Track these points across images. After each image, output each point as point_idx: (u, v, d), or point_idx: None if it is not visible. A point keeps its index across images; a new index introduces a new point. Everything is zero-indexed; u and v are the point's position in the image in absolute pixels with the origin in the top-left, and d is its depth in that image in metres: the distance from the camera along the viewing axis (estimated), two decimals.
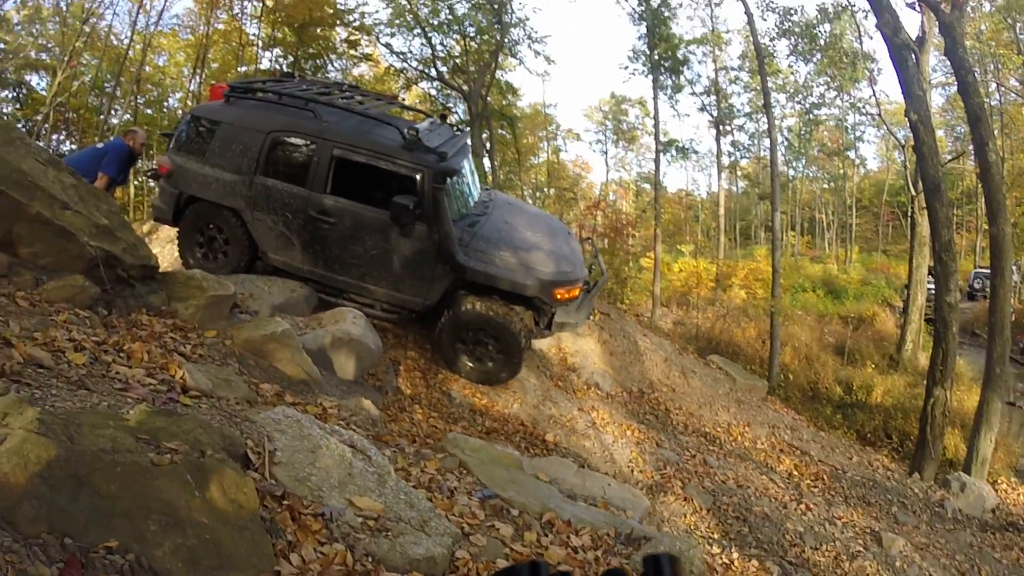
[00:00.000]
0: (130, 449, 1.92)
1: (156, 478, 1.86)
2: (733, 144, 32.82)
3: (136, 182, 24.82)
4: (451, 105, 25.07)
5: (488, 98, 23.52)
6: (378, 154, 6.56)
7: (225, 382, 3.59)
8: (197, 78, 25.04)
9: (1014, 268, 21.95)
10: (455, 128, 7.95)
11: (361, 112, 6.94)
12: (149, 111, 27.19)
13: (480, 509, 3.22)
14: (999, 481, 9.92)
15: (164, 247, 10.37)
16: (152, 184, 25.82)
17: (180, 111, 26.71)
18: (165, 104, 28.76)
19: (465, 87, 22.45)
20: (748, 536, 5.82)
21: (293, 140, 6.84)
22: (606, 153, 45.92)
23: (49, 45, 23.19)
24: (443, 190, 6.50)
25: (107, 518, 1.73)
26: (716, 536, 5.67)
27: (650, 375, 9.16)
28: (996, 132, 21.12)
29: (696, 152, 36.71)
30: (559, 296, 6.76)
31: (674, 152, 28.59)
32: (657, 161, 25.84)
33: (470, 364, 7.05)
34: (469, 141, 8.08)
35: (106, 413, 2.25)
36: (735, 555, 5.23)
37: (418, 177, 6.47)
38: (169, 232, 10.86)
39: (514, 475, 3.96)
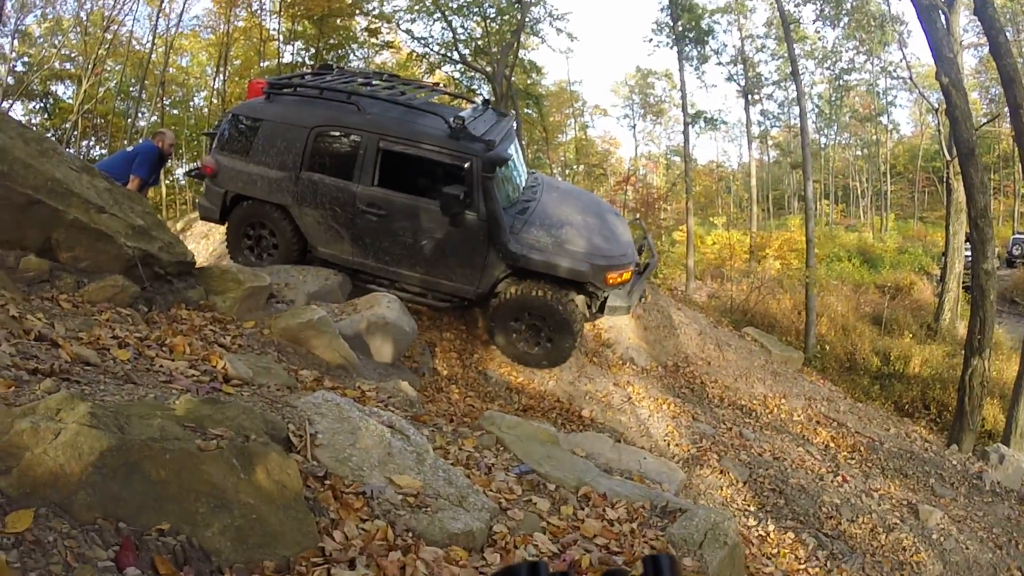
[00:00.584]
0: (177, 436, 2.00)
1: (203, 463, 1.94)
2: (762, 113, 32.46)
3: (167, 181, 25.32)
4: (475, 87, 25.04)
5: (512, 78, 23.41)
6: (424, 144, 6.54)
7: (265, 370, 3.69)
8: (221, 76, 25.40)
9: None
10: (500, 113, 7.89)
11: (404, 103, 6.90)
12: (175, 111, 27.73)
13: (517, 484, 3.28)
14: None
15: (199, 243, 10.60)
16: (183, 183, 26.44)
17: (206, 109, 27.16)
18: (191, 103, 29.28)
19: (488, 68, 22.37)
20: (784, 508, 5.84)
21: (337, 134, 6.88)
22: (634, 127, 45.50)
23: (72, 55, 23.77)
24: (492, 179, 6.47)
25: (158, 502, 1.81)
26: (752, 508, 5.69)
27: (685, 349, 9.16)
28: None
29: (725, 123, 36.16)
30: (611, 280, 6.73)
31: (703, 123, 28.29)
32: (686, 133, 25.56)
33: (523, 348, 7.05)
34: (515, 125, 8.03)
35: (153, 404, 2.34)
36: (771, 527, 5.26)
37: (466, 166, 6.44)
38: (203, 228, 11.08)
39: (550, 451, 4.01)
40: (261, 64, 25.20)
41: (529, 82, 27.20)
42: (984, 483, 7.65)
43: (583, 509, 3.24)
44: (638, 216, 8.66)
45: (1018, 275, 24.06)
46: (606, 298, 6.84)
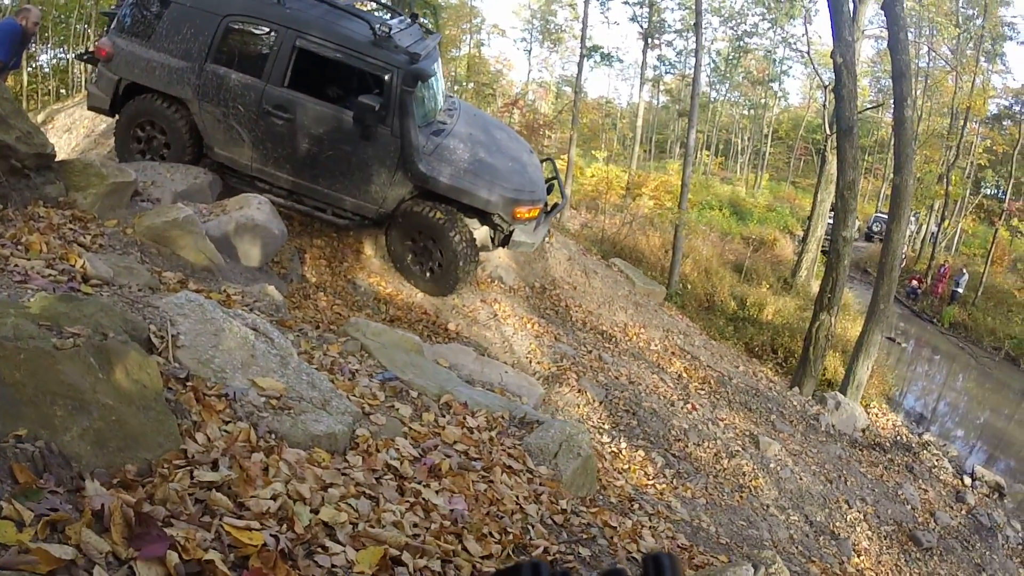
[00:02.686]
0: (32, 335, 1.92)
1: (60, 362, 1.88)
2: (659, 58, 32.99)
3: (29, 68, 22.76)
4: None
5: None
6: (345, 48, 6.15)
7: (127, 270, 3.55)
8: None
9: (912, 218, 23.64)
10: (427, 30, 7.52)
11: (329, 2, 6.46)
12: None
13: (380, 390, 3.37)
14: (871, 405, 10.97)
15: (61, 137, 9.76)
16: (47, 70, 23.76)
17: None
18: None
19: None
20: (636, 429, 6.21)
21: (252, 26, 6.37)
22: (530, 52, 45.14)
23: None
24: (412, 94, 6.17)
25: (14, 406, 1.73)
26: (606, 427, 6.04)
27: (553, 272, 9.43)
28: (918, 93, 22.15)
29: (621, 61, 36.75)
30: (519, 215, 6.64)
31: (599, 58, 28.34)
32: (580, 65, 25.53)
33: (415, 271, 6.97)
34: (438, 44, 7.69)
35: (5, 303, 2.23)
36: (623, 444, 5.67)
37: (387, 77, 6.13)
38: (66, 121, 10.18)
39: (414, 359, 4.12)
40: None
41: None
42: (820, 424, 8.51)
43: (444, 416, 3.38)
44: (550, 157, 8.60)
45: (873, 248, 26.46)
46: (512, 232, 6.77)
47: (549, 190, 7.40)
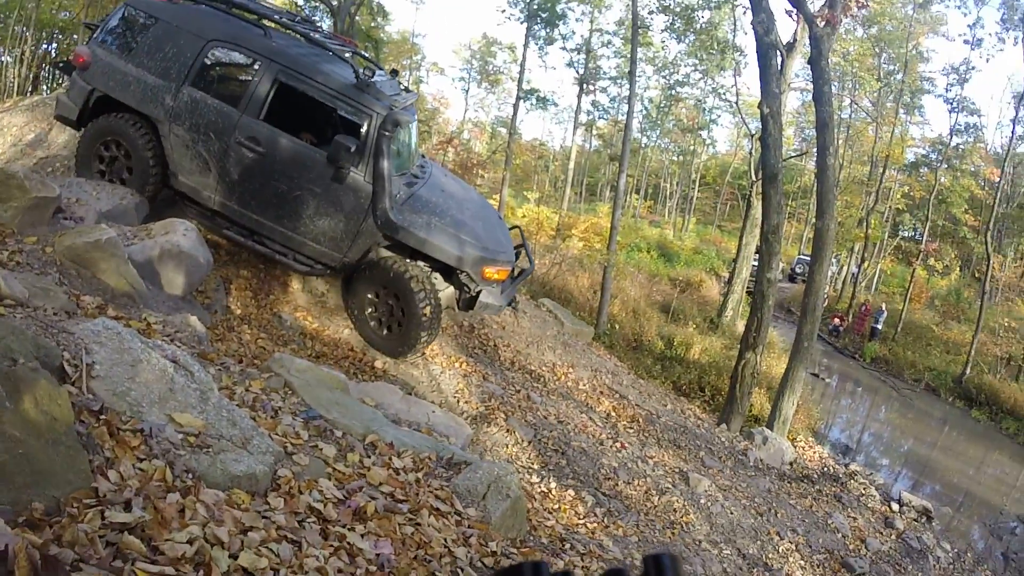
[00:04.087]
0: None
1: None
2: (594, 104, 33.87)
3: None
4: (317, 18, 23.72)
5: (357, 17, 22.46)
6: (327, 88, 6.01)
7: (43, 291, 3.37)
8: None
9: (833, 260, 25.01)
10: (405, 88, 7.39)
11: (317, 42, 6.34)
12: None
13: (304, 429, 3.28)
14: (798, 439, 11.28)
15: None
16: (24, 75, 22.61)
17: None
18: None
19: (335, 2, 21.27)
20: (566, 468, 6.22)
21: (235, 54, 6.19)
22: (467, 92, 45.59)
23: None
24: (390, 139, 6.05)
25: None
26: (536, 466, 6.03)
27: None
28: (841, 142, 23.56)
29: (556, 104, 37.49)
30: (488, 275, 6.43)
31: (534, 101, 28.92)
32: (516, 107, 26.19)
33: (373, 328, 6.69)
34: (415, 102, 7.59)
35: None
36: (553, 484, 5.65)
37: (365, 121, 6.02)
38: None
39: (339, 398, 4.04)
40: None
41: (373, 24, 26.27)
42: (749, 459, 8.70)
43: (370, 457, 3.31)
44: (518, 225, 8.57)
45: (797, 289, 27.75)
46: (478, 293, 6.53)
47: (516, 256, 7.28)
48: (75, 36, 24.09)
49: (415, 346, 6.62)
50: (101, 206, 5.70)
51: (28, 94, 19.42)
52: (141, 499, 1.91)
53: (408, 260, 6.37)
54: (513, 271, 7.06)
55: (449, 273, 6.59)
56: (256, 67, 6.11)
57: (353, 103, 6.08)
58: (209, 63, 6.17)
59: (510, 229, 7.73)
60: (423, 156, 7.98)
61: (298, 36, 6.58)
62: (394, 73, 7.31)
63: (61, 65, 7.45)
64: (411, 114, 6.88)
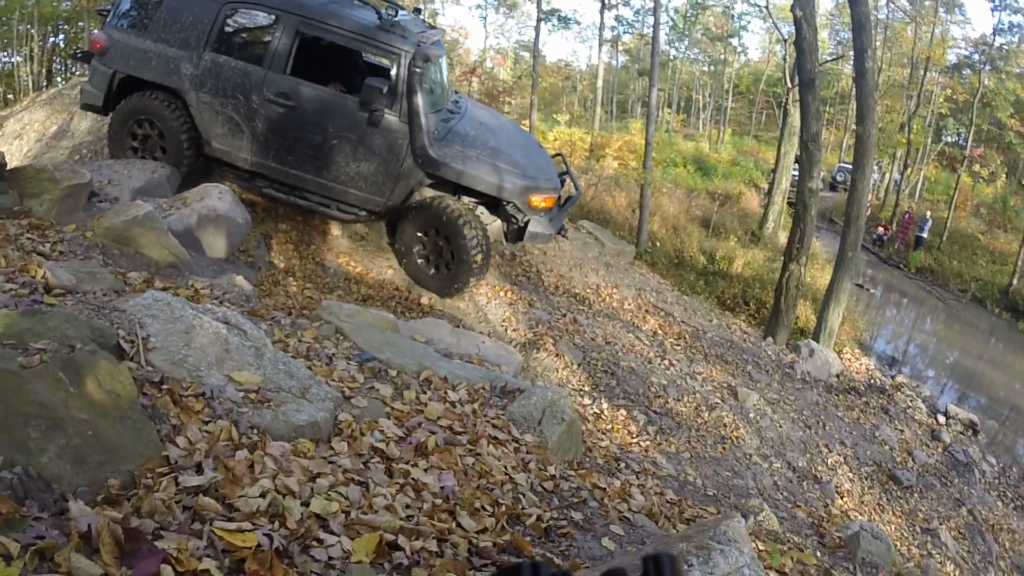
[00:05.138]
0: None
1: (28, 382, 1.80)
2: (617, 19, 32.77)
3: None
4: None
5: None
6: (350, 33, 5.93)
7: (90, 275, 3.45)
8: None
9: (875, 167, 24.12)
10: (430, 25, 7.24)
11: None
12: None
13: (359, 372, 3.34)
14: (844, 351, 11.15)
15: (11, 143, 9.42)
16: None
17: None
18: None
19: None
20: (616, 388, 6.26)
21: (252, 12, 6.12)
22: (485, 19, 44.48)
23: None
24: (421, 75, 5.93)
25: None
26: (587, 388, 6.09)
27: None
28: (879, 44, 22.27)
29: (578, 23, 36.34)
30: (535, 203, 6.37)
31: (556, 21, 28.03)
32: (537, 29, 25.19)
33: (421, 267, 6.67)
34: (442, 37, 7.40)
35: None
36: (604, 405, 5.72)
37: (394, 61, 5.94)
38: (15, 127, 9.80)
39: (390, 338, 4.09)
40: None
41: None
42: (795, 372, 8.66)
43: (425, 393, 3.37)
44: (560, 153, 8.36)
45: (838, 198, 26.93)
46: (526, 223, 6.47)
47: (562, 183, 7.17)
48: (81, 24, 23.96)
49: (466, 284, 6.62)
50: (133, 183, 5.79)
51: (43, 89, 19.54)
52: (211, 460, 1.97)
53: (453, 197, 6.30)
54: (559, 198, 6.95)
55: (494, 206, 6.53)
56: (276, 22, 6.04)
57: (380, 44, 5.99)
58: (227, 26, 6.12)
59: (552, 157, 7.57)
60: (456, 91, 7.80)
61: None
62: (416, 11, 7.12)
63: (79, 55, 7.45)
64: (440, 49, 6.74)
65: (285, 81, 6.03)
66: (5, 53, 24.63)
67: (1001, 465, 8.30)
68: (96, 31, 6.62)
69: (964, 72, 30.64)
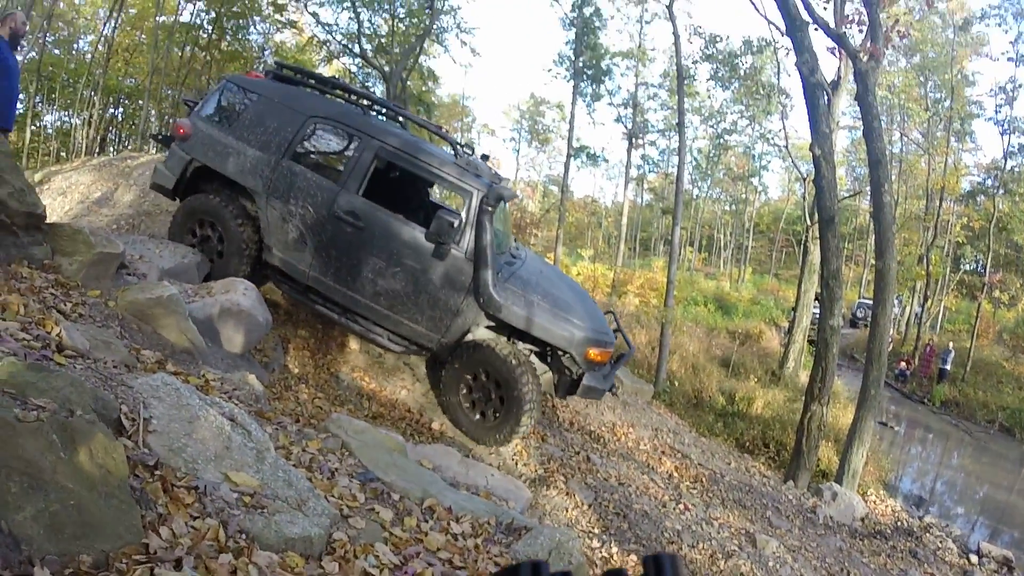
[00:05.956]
0: None
1: (20, 435, 1.74)
2: (643, 158, 34.20)
3: (33, 127, 23.23)
4: (370, 84, 24.69)
5: (408, 82, 23.29)
6: (427, 164, 6.01)
7: (104, 344, 3.39)
8: (113, 21, 23.60)
9: (896, 301, 24.37)
10: (498, 174, 7.38)
11: (414, 120, 6.48)
12: (57, 51, 25.53)
13: (361, 492, 3.20)
14: (868, 493, 10.67)
15: (55, 199, 9.75)
16: (51, 131, 24.04)
17: (89, 55, 25.38)
18: (75, 45, 27.20)
19: (387, 68, 22.15)
20: (627, 532, 5.96)
21: (335, 130, 6.26)
22: (518, 152, 46.65)
23: None
24: (492, 215, 5.95)
25: None
26: (596, 531, 5.80)
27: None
28: (894, 177, 23.02)
29: (606, 160, 37.93)
30: (593, 356, 6.13)
31: (585, 158, 29.28)
32: (567, 165, 26.43)
33: (467, 412, 6.37)
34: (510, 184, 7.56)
35: None
36: (614, 549, 5.40)
37: (466, 198, 5.98)
38: (62, 184, 10.21)
39: (397, 460, 3.94)
40: (157, 18, 23.67)
41: (424, 89, 27.18)
42: (818, 517, 8.24)
43: (427, 521, 3.21)
44: (611, 311, 8.42)
45: (859, 334, 26.95)
46: (581, 376, 6.19)
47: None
48: (140, 102, 25.47)
49: (512, 435, 6.25)
50: (164, 263, 5.83)
51: (96, 155, 20.53)
52: (192, 558, 1.85)
53: (513, 343, 6.15)
54: (612, 355, 6.75)
55: (544, 356, 6.37)
56: (356, 143, 6.14)
57: (454, 178, 6.03)
58: (309, 138, 6.23)
59: (604, 314, 7.38)
60: (517, 242, 7.84)
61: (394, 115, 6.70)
62: (484, 157, 7.15)
63: (161, 138, 7.62)
64: (510, 192, 6.73)
65: (357, 201, 6.01)
66: (67, 112, 26.00)
67: None
68: (183, 118, 6.78)
69: (979, 199, 31.07)
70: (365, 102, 6.72)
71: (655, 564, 0.64)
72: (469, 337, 6.18)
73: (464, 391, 6.30)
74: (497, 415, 6.21)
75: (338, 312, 6.26)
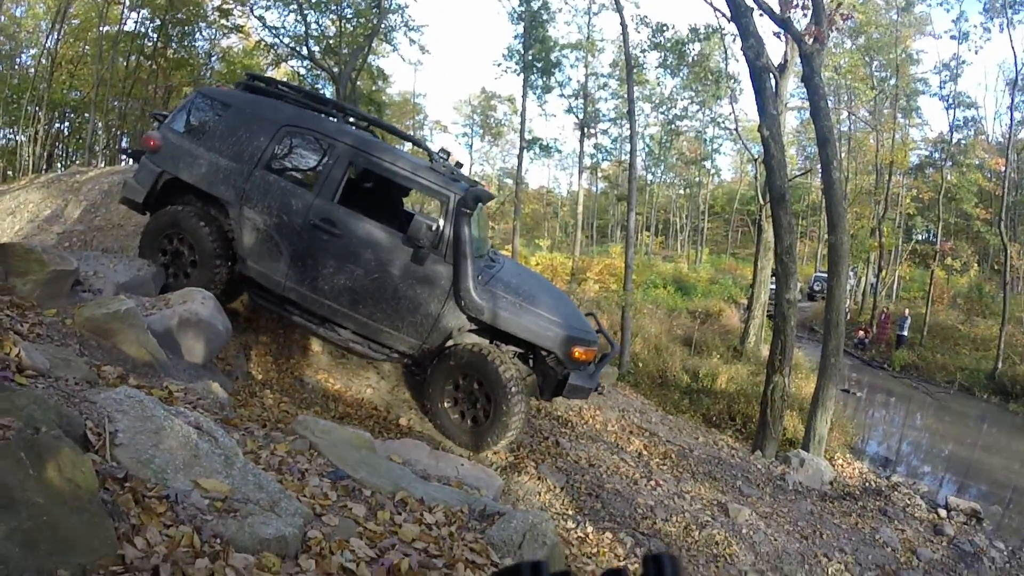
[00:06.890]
0: None
1: None
2: (596, 147, 34.31)
3: None
4: (319, 86, 24.43)
5: (358, 82, 23.10)
6: (402, 169, 5.95)
7: (64, 362, 3.36)
8: (55, 34, 22.93)
9: (850, 273, 25.00)
10: (471, 180, 7.31)
11: (387, 127, 6.46)
12: None
13: (332, 490, 3.22)
14: (835, 457, 10.97)
15: (4, 219, 9.50)
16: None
17: (32, 69, 24.65)
18: (17, 60, 26.42)
19: (336, 69, 21.92)
20: (601, 511, 6.04)
21: (309, 137, 6.15)
22: (471, 147, 46.58)
23: None
24: (469, 217, 5.90)
25: None
26: (570, 512, 5.86)
27: None
28: (843, 155, 23.70)
29: (559, 151, 38.12)
30: (578, 355, 6.10)
31: (538, 150, 29.31)
32: (520, 157, 26.52)
33: (454, 419, 6.30)
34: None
35: None
36: (589, 529, 5.49)
37: (443, 202, 5.92)
38: (10, 203, 9.94)
39: (366, 457, 3.97)
40: (101, 28, 23.03)
41: (374, 88, 26.99)
42: (787, 484, 8.44)
43: (400, 514, 3.24)
44: (592, 312, 8.37)
45: (817, 307, 27.76)
46: (566, 377, 6.12)
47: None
48: (86, 115, 24.87)
49: (501, 438, 6.18)
50: (119, 278, 5.74)
51: (43, 171, 19.99)
52: (169, 565, 1.86)
53: (496, 344, 6.11)
54: (596, 354, 6.77)
55: (526, 358, 6.36)
56: (330, 150, 6.07)
57: (430, 183, 5.99)
58: (282, 146, 6.14)
59: (585, 316, 7.37)
60: (493, 248, 7.75)
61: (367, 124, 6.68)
62: (459, 165, 7.02)
63: (129, 152, 7.42)
64: (488, 194, 6.68)
65: (333, 209, 5.94)
66: (12, 130, 25.31)
67: (1010, 548, 7.95)
68: (152, 131, 6.63)
69: (927, 171, 32.31)
70: (338, 112, 6.67)
71: (655, 564, 0.64)
72: (451, 342, 6.15)
73: (449, 397, 6.27)
74: (485, 418, 6.17)
75: (316, 322, 6.18)
